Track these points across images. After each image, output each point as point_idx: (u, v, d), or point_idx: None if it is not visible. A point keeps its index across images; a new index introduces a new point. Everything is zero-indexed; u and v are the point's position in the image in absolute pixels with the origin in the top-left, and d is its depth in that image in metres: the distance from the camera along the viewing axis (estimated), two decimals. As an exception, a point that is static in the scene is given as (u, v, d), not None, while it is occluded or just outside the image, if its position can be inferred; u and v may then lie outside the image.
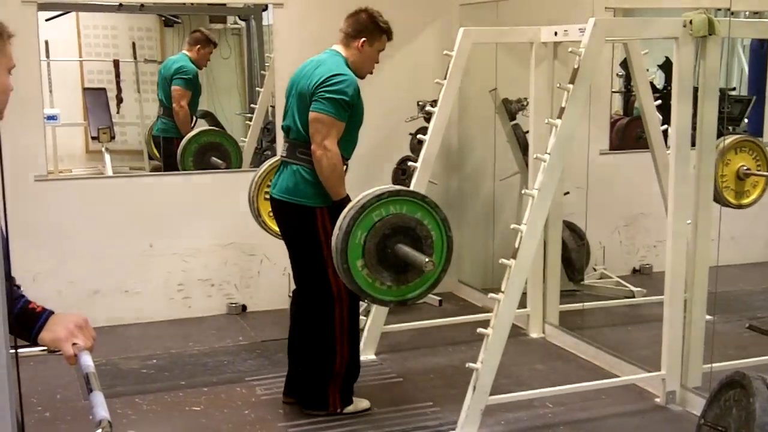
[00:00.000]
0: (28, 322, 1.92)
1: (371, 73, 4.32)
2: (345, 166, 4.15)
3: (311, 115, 4.02)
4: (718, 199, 4.80)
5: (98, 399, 1.65)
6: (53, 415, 4.38)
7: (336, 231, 3.68)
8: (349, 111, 4.06)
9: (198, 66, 6.44)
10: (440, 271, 3.80)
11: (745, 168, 5.08)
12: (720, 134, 4.54)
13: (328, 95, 4.00)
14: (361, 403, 4.35)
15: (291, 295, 4.54)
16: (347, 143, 4.13)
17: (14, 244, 1.95)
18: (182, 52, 6.47)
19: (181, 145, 6.21)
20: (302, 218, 4.13)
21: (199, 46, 6.42)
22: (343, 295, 4.10)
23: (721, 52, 4.48)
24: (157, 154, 6.57)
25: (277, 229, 4.60)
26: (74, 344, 1.89)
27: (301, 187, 4.10)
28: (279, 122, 4.79)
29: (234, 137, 6.45)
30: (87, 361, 1.84)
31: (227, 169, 6.20)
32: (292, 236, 4.27)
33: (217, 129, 6.54)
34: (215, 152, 6.27)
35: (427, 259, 3.60)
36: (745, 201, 5.16)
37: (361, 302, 4.82)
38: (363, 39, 4.18)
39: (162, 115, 6.51)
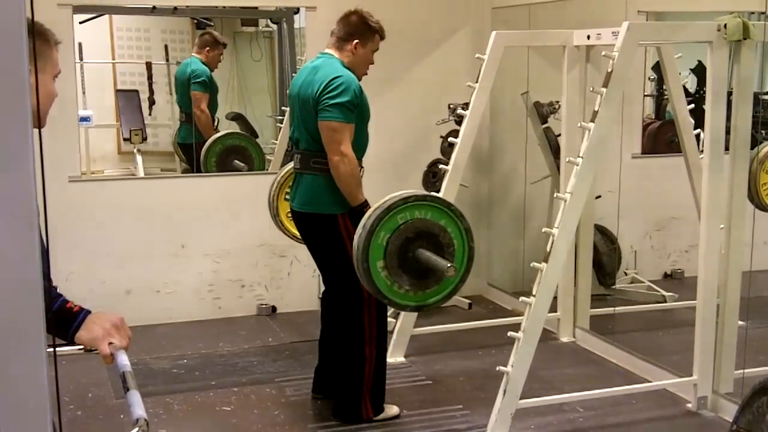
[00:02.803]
0: (66, 321, 1.94)
1: (366, 74, 4.28)
2: (361, 169, 4.15)
3: (321, 124, 4.01)
4: (763, 207, 4.74)
5: (135, 398, 1.67)
6: (85, 414, 4.41)
7: (359, 230, 3.67)
8: (355, 111, 4.04)
9: (209, 67, 6.45)
10: (459, 280, 3.79)
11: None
12: (753, 139, 4.50)
13: (332, 101, 3.98)
14: (391, 410, 4.34)
15: (321, 296, 4.54)
16: (358, 143, 4.11)
17: (49, 243, 1.97)
18: (192, 55, 6.48)
19: (206, 145, 6.24)
20: (325, 227, 4.13)
21: (208, 48, 6.42)
22: (373, 298, 4.10)
23: (756, 57, 4.44)
24: (185, 160, 6.60)
25: (293, 230, 4.64)
26: (110, 343, 1.91)
27: (320, 196, 4.10)
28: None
29: (258, 142, 6.48)
30: (123, 360, 1.85)
31: (249, 172, 6.25)
32: (318, 245, 4.28)
33: (242, 133, 6.56)
34: (238, 155, 6.29)
35: (449, 264, 3.59)
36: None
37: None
38: (356, 41, 4.17)
39: (184, 122, 6.52)
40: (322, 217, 4.12)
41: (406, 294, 3.73)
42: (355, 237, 3.69)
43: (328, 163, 4.01)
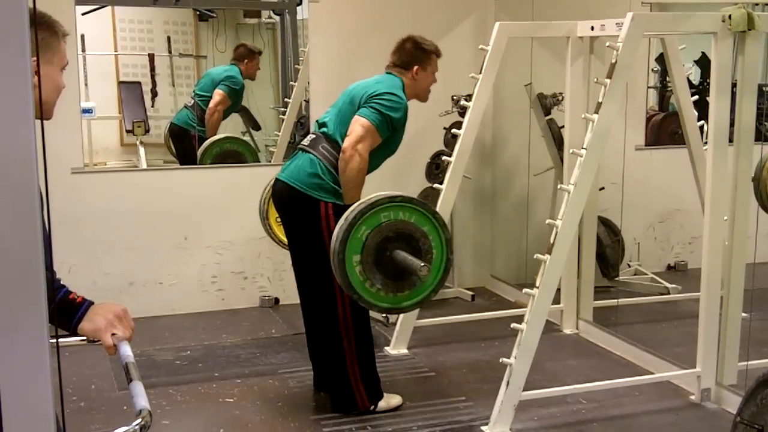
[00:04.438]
0: (69, 312, 1.93)
1: (429, 93, 4.39)
2: None
3: (355, 117, 4.00)
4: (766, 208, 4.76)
5: (138, 389, 1.66)
6: (88, 405, 4.41)
7: (341, 221, 3.67)
8: (390, 132, 4.05)
9: (249, 77, 6.51)
10: (431, 290, 3.80)
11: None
12: (758, 131, 4.49)
13: (378, 106, 4.00)
14: (393, 399, 4.32)
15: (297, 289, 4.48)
16: (371, 162, 4.07)
17: (52, 235, 1.97)
18: (232, 63, 6.50)
19: (204, 145, 6.28)
20: (305, 209, 4.06)
21: (246, 60, 6.48)
22: (346, 294, 4.07)
23: (761, 48, 4.42)
24: (171, 146, 6.59)
25: (281, 236, 4.62)
26: (113, 334, 1.91)
27: (311, 177, 4.04)
28: (314, 116, 4.76)
29: (256, 148, 6.57)
30: (126, 351, 1.85)
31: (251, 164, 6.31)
32: (293, 226, 4.22)
33: (241, 138, 6.59)
34: (234, 160, 6.30)
35: (422, 264, 3.59)
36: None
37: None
38: (416, 67, 4.23)
39: (190, 107, 6.50)
40: (304, 197, 4.04)
41: (377, 293, 3.71)
42: (336, 228, 3.68)
43: (340, 153, 3.98)
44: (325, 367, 4.35)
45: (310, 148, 4.13)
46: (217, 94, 6.39)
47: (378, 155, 4.11)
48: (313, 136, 4.18)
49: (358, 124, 3.98)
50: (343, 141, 4.01)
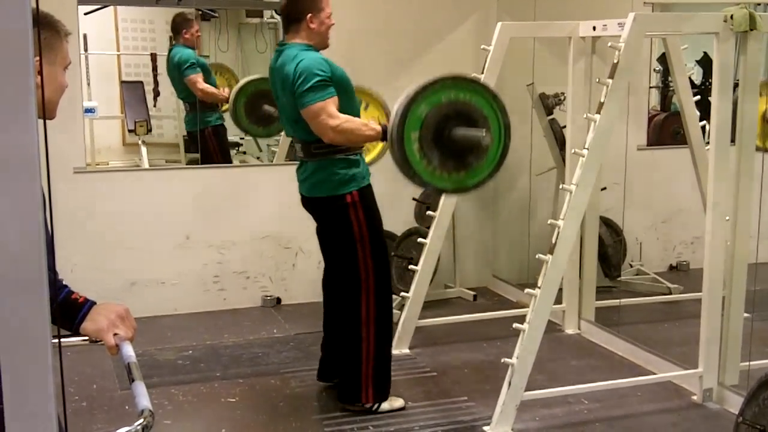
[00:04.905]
0: (71, 312, 1.94)
1: (329, 36, 4.20)
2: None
3: (303, 113, 3.96)
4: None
5: (140, 389, 1.67)
6: (90, 404, 4.41)
7: (400, 99, 3.64)
8: (331, 84, 3.96)
9: (192, 46, 6.34)
10: (488, 173, 3.77)
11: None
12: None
13: (304, 88, 3.92)
14: (396, 402, 4.32)
15: (322, 278, 4.52)
16: (348, 112, 4.03)
17: (54, 235, 1.97)
18: (175, 44, 6.41)
19: (236, 87, 6.25)
20: (334, 208, 4.12)
21: (184, 30, 6.32)
22: (371, 282, 4.11)
23: (762, 48, 4.42)
24: (207, 148, 6.56)
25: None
26: (115, 334, 1.91)
27: (326, 180, 4.09)
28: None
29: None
30: (128, 351, 1.85)
31: (278, 118, 6.24)
32: (325, 225, 4.29)
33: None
34: (270, 101, 6.25)
35: (484, 132, 3.57)
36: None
37: (394, 295, 4.82)
38: (308, 14, 4.06)
39: (188, 112, 6.48)
40: (329, 200, 4.12)
41: (433, 171, 3.67)
42: (395, 105, 3.66)
43: (329, 143, 3.99)
44: (339, 358, 4.35)
45: (306, 157, 4.16)
46: (188, 81, 6.26)
47: (346, 104, 4.04)
48: (299, 144, 4.19)
49: (312, 115, 3.92)
50: (313, 135, 4.00)
